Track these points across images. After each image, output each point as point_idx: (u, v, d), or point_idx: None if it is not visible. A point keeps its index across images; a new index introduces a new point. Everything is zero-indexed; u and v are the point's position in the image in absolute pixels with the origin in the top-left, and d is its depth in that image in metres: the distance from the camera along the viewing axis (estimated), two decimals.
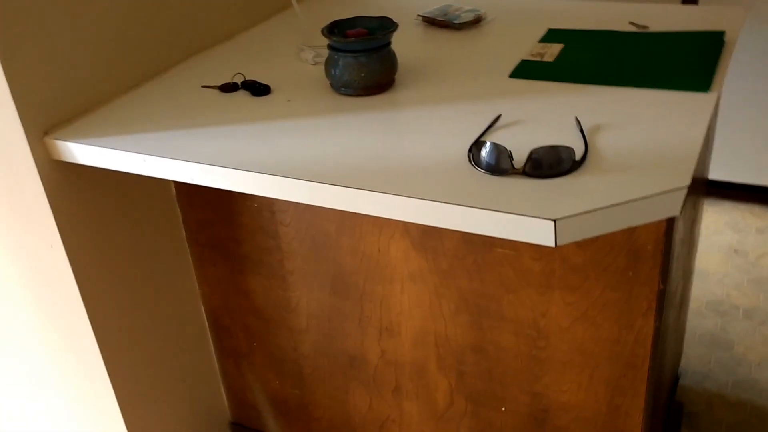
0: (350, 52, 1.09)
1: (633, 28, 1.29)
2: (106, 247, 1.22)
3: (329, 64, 1.12)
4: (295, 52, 1.32)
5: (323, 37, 1.26)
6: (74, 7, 1.10)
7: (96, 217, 1.19)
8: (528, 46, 1.26)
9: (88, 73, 1.14)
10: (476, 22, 1.38)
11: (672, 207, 0.81)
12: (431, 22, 1.40)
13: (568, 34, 1.28)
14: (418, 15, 1.42)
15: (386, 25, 1.14)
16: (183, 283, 1.42)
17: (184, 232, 1.40)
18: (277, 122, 1.06)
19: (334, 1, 1.61)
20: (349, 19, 1.16)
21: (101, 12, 1.15)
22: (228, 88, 1.18)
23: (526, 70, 1.15)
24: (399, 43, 1.31)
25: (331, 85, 1.15)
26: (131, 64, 1.22)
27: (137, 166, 1.02)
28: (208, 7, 1.36)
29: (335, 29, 1.15)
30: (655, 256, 0.99)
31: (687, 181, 0.81)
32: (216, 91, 1.18)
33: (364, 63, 1.09)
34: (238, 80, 1.20)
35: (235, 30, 1.45)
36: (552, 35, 1.28)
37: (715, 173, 2.45)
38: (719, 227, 2.35)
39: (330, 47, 1.12)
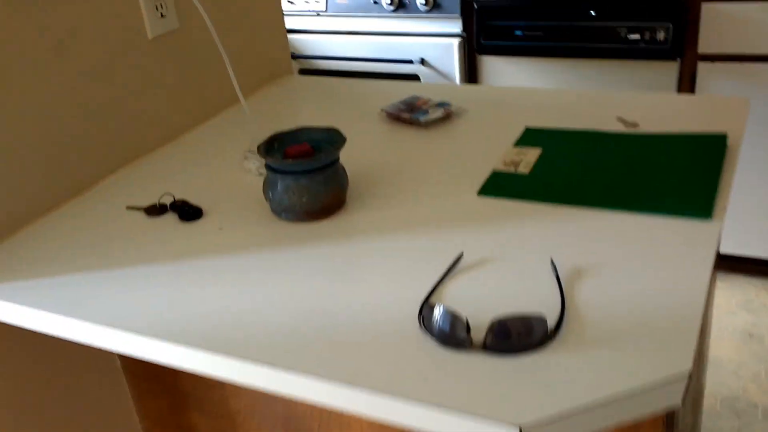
0: (290, 173, 0.94)
1: (621, 126, 1.13)
2: (31, 378, 1.05)
3: (268, 186, 0.96)
4: (240, 159, 1.17)
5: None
6: None
7: (17, 347, 1.02)
8: (502, 150, 1.10)
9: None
10: (445, 118, 1.23)
11: (671, 396, 0.64)
12: (396, 118, 1.25)
13: (546, 135, 1.12)
14: (382, 109, 1.27)
15: (333, 139, 0.98)
16: (122, 418, 1.25)
17: (118, 362, 1.23)
18: (204, 259, 0.90)
19: (288, 94, 1.47)
20: (291, 132, 1.01)
21: (13, 120, 1.00)
22: (155, 210, 1.03)
23: (497, 186, 0.99)
24: (356, 144, 1.16)
25: (271, 208, 0.99)
26: (48, 181, 1.06)
27: (36, 322, 0.85)
28: (146, 108, 1.22)
29: (275, 143, 0.99)
30: None
31: (688, 365, 0.64)
32: (142, 214, 1.03)
33: (305, 186, 0.94)
34: (167, 201, 1.05)
35: (178, 129, 1.30)
36: (529, 136, 1.12)
37: (726, 246, 2.27)
38: (731, 307, 2.17)
39: (268, 167, 0.96)
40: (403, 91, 1.40)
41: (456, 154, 1.11)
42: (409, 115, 1.22)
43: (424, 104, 1.26)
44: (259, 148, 0.96)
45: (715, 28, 1.94)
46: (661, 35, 1.98)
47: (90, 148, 1.13)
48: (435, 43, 2.31)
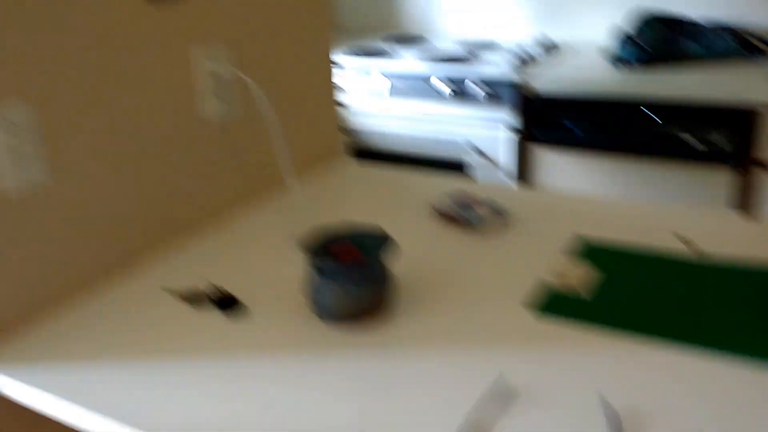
0: (334, 275, 0.91)
1: (677, 243, 1.08)
2: None
3: (310, 285, 0.94)
4: (282, 247, 1.15)
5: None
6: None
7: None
8: (554, 262, 1.06)
9: (26, 272, 0.98)
10: (497, 221, 1.19)
11: None
12: (445, 216, 1.22)
13: (602, 250, 1.08)
14: (432, 205, 1.25)
15: (381, 241, 0.96)
16: None
17: None
18: (236, 357, 0.87)
19: (337, 179, 1.46)
20: (338, 229, 0.98)
21: (58, 194, 1.00)
22: (191, 297, 1.01)
23: (548, 303, 0.94)
24: (404, 241, 1.13)
25: (311, 307, 0.96)
26: (85, 257, 1.05)
27: (55, 409, 0.83)
28: (194, 186, 1.21)
29: (320, 240, 0.97)
30: None
31: None
32: (178, 299, 1.01)
33: (349, 290, 0.90)
34: (205, 287, 1.03)
35: (224, 209, 1.29)
36: (584, 250, 1.08)
37: None
38: None
39: (311, 266, 0.94)
40: (455, 187, 1.38)
41: (506, 263, 1.07)
42: (460, 214, 1.19)
43: (476, 204, 1.23)
44: (303, 245, 0.94)
45: None
46: (720, 141, 1.94)
47: (134, 224, 1.12)
48: (487, 131, 2.30)
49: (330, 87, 1.54)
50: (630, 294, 0.96)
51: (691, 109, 1.98)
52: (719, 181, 1.99)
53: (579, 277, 1.00)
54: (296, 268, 1.09)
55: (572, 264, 1.04)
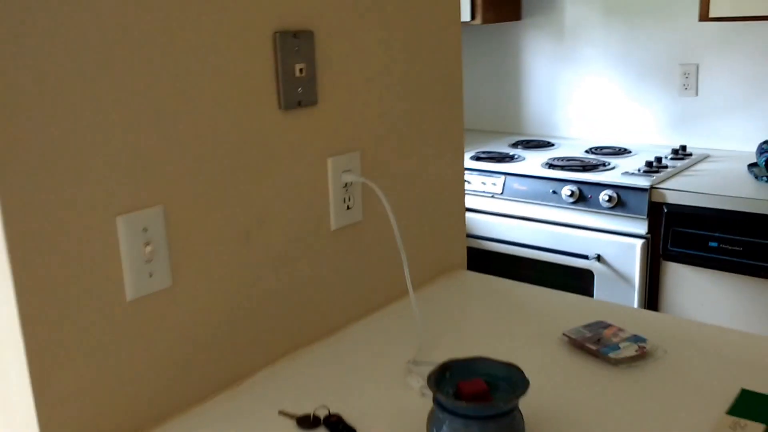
0: (461, 416, 0.82)
1: None
2: None
3: (433, 422, 0.85)
4: (403, 371, 1.07)
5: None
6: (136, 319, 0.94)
7: None
8: (711, 415, 0.92)
9: (137, 391, 0.95)
10: (639, 357, 1.07)
11: None
12: (579, 346, 1.11)
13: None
14: (564, 334, 1.14)
15: (514, 380, 0.86)
16: None
17: None
18: None
19: (459, 294, 1.38)
20: (466, 361, 0.90)
21: (185, 303, 0.98)
22: (307, 423, 0.94)
23: None
24: (531, 374, 1.03)
25: None
26: (196, 376, 1.02)
27: None
28: (314, 297, 1.18)
29: (446, 373, 0.89)
30: None
31: None
32: (293, 424, 0.95)
33: None
34: (322, 414, 0.96)
35: (343, 321, 1.24)
36: (747, 403, 0.94)
37: None
38: None
39: (436, 403, 0.86)
40: (587, 309, 1.27)
41: (653, 411, 0.94)
42: (596, 347, 1.08)
43: (615, 336, 1.11)
44: (429, 378, 0.86)
45: None
46: None
47: (251, 335, 1.09)
48: (615, 242, 2.17)
49: (460, 194, 1.49)
50: None
51: None
52: None
53: None
54: (417, 399, 1.01)
55: (736, 423, 0.90)
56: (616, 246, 2.17)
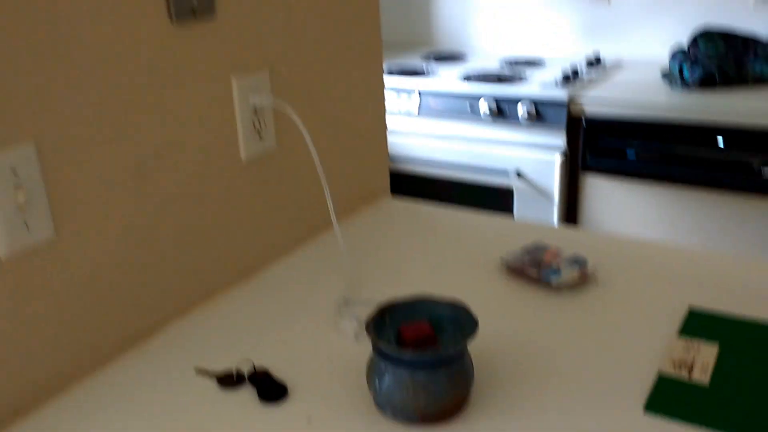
0: (406, 364, 0.74)
1: None
2: None
3: (374, 372, 0.76)
4: (334, 313, 0.98)
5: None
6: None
7: None
8: (660, 337, 0.88)
9: (22, 366, 0.81)
10: (581, 282, 1.01)
11: None
12: (519, 272, 1.04)
13: (720, 324, 0.90)
14: (502, 259, 1.07)
15: (461, 320, 0.78)
16: None
17: None
18: None
19: (386, 223, 1.28)
20: (407, 303, 0.81)
21: (73, 253, 0.83)
22: (229, 381, 0.83)
23: (666, 399, 0.76)
24: (471, 305, 0.95)
25: (374, 400, 0.78)
26: (97, 336, 0.89)
27: None
28: (228, 237, 1.05)
29: (385, 316, 0.80)
30: None
31: None
32: (213, 383, 0.84)
33: (424, 383, 0.73)
34: (246, 369, 0.85)
35: (264, 261, 1.12)
36: (697, 323, 0.90)
37: None
38: None
39: (376, 350, 0.76)
40: (521, 232, 1.20)
41: (602, 337, 0.89)
42: (537, 271, 1.02)
43: (554, 258, 1.05)
44: (367, 324, 0.76)
45: None
46: None
47: (159, 285, 0.95)
48: (534, 157, 2.13)
49: (381, 116, 1.37)
50: (759, 379, 0.77)
51: (759, 134, 1.79)
52: None
53: (701, 364, 0.82)
54: (352, 344, 0.91)
55: (689, 346, 0.85)
56: (536, 161, 2.13)
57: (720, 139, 1.84)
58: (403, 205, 1.36)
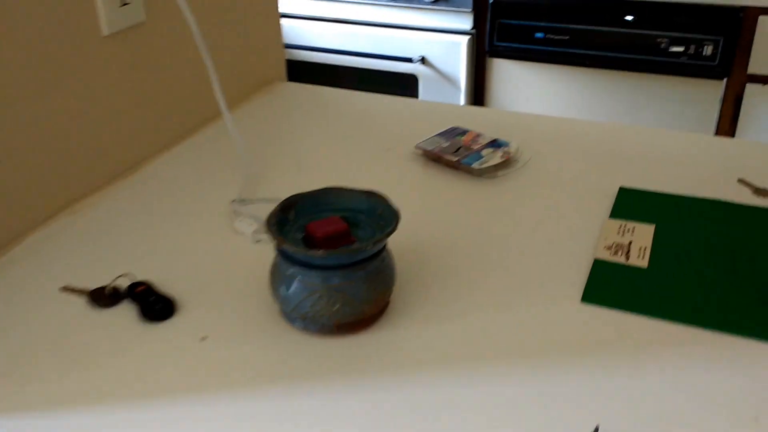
0: (317, 268, 0.62)
1: (748, 192, 0.85)
2: None
3: (279, 278, 0.64)
4: (227, 214, 0.84)
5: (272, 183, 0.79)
6: None
7: None
8: (595, 221, 0.80)
9: None
10: (505, 165, 0.92)
11: None
12: (436, 158, 0.94)
13: (652, 202, 0.83)
14: (417, 146, 0.96)
15: (379, 212, 0.67)
16: None
17: None
18: (173, 394, 0.58)
19: (283, 109, 1.14)
20: (315, 194, 0.69)
21: None
22: (103, 298, 0.70)
23: (606, 288, 0.69)
24: (388, 195, 0.84)
25: (281, 310, 0.67)
26: None
27: None
28: (97, 129, 0.88)
29: (290, 212, 0.67)
30: None
31: None
32: (84, 301, 0.70)
33: (338, 288, 0.62)
34: (124, 284, 0.72)
35: (142, 156, 0.96)
36: (629, 203, 0.83)
37: None
38: None
39: (280, 252, 0.64)
40: (433, 114, 1.09)
41: (530, 223, 0.81)
42: (456, 158, 0.91)
43: (474, 142, 0.95)
44: (269, 221, 0.64)
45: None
46: (707, 50, 1.71)
47: (12, 194, 0.78)
48: (439, 41, 2.00)
49: None
50: (701, 265, 0.72)
51: (676, 11, 1.74)
52: (703, 94, 1.78)
53: (638, 246, 0.75)
54: (250, 245, 0.79)
55: (623, 227, 0.78)
56: (441, 45, 2.00)
57: (632, 15, 1.77)
58: (301, 88, 1.21)
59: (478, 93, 2.05)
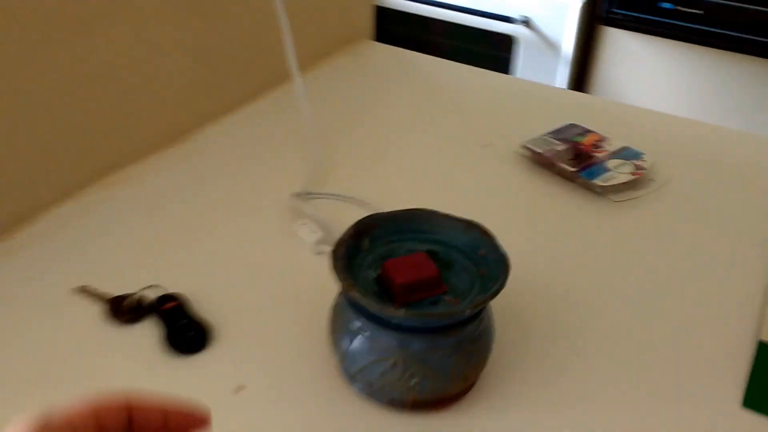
0: (392, 328, 0.46)
1: None
2: None
3: (340, 327, 0.49)
4: (288, 207, 0.69)
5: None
6: None
7: None
8: (756, 279, 0.61)
9: None
10: (637, 185, 0.73)
11: None
12: (548, 164, 0.75)
13: None
14: (525, 146, 0.77)
15: (477, 250, 0.50)
16: None
17: None
18: None
19: (366, 78, 0.97)
20: (397, 214, 0.52)
21: None
22: (125, 312, 0.56)
23: None
24: (484, 212, 0.67)
25: (341, 366, 0.52)
26: None
27: None
28: (147, 94, 0.73)
29: (364, 240, 0.51)
30: None
31: None
32: (101, 311, 0.56)
33: (421, 358, 0.46)
34: (152, 297, 0.58)
35: (190, 122, 0.81)
36: None
37: None
38: None
39: (347, 299, 0.49)
40: (543, 98, 0.90)
41: (669, 272, 0.62)
42: (574, 168, 0.73)
43: (597, 148, 0.76)
44: (336, 254, 0.48)
45: None
46: None
47: (41, 154, 0.65)
48: (546, 2, 1.77)
49: None
50: None
51: None
52: None
53: None
54: (311, 256, 0.63)
55: None
56: (548, 7, 1.77)
57: None
58: (389, 52, 1.04)
59: (583, 66, 1.82)
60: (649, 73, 1.75)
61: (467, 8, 1.87)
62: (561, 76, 1.82)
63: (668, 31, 1.65)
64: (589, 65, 1.81)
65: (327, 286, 0.51)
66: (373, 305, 0.45)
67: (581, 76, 1.83)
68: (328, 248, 0.63)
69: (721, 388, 0.51)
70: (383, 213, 0.52)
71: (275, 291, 0.59)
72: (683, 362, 0.53)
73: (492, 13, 1.85)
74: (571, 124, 0.81)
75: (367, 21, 1.07)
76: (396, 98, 0.90)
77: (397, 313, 0.44)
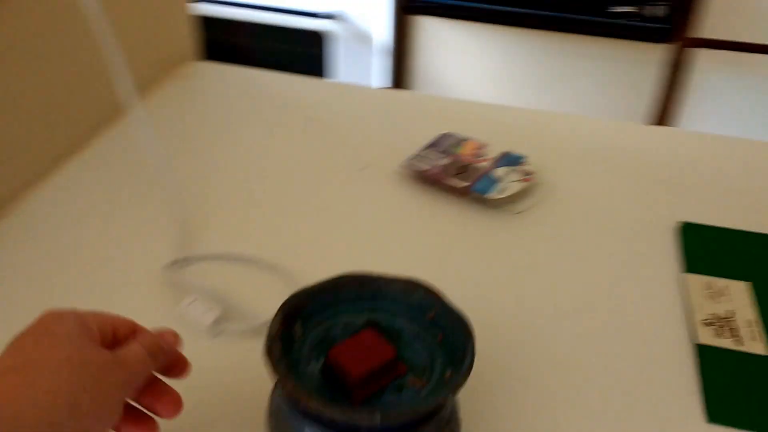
0: (346, 428, 0.39)
1: None
2: None
3: (282, 428, 0.41)
4: (161, 284, 0.57)
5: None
6: None
7: None
8: (666, 276, 0.61)
9: None
10: (526, 191, 0.71)
11: None
12: (435, 182, 0.71)
13: (729, 242, 0.65)
14: (408, 164, 0.72)
15: (428, 317, 0.44)
16: None
17: None
18: None
19: (204, 101, 0.86)
20: (326, 286, 0.44)
21: None
22: None
23: (730, 391, 0.51)
24: (374, 234, 0.61)
25: None
26: None
27: None
28: None
29: (294, 322, 0.43)
30: None
31: None
32: None
33: None
34: None
35: (17, 187, 0.66)
36: (699, 246, 0.64)
37: None
38: None
39: (292, 405, 0.40)
40: (401, 103, 0.85)
41: (584, 285, 0.60)
42: (465, 183, 0.69)
43: (479, 157, 0.72)
44: (270, 350, 0.39)
45: (721, 11, 1.56)
46: (657, 12, 1.57)
47: None
48: None
49: None
50: None
51: None
52: (647, 58, 1.65)
53: (742, 318, 0.57)
54: (206, 342, 0.53)
55: (712, 288, 0.60)
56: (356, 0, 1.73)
57: None
58: (217, 71, 0.93)
59: (400, 57, 1.81)
60: (462, 58, 1.79)
61: (274, 7, 1.78)
62: (377, 69, 1.80)
63: (471, 13, 1.68)
64: (405, 56, 1.81)
65: (242, 377, 0.41)
66: (339, 414, 0.37)
67: (399, 68, 1.82)
68: (230, 326, 0.53)
69: (677, 401, 0.50)
70: (307, 288, 0.44)
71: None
72: (627, 380, 0.51)
73: (299, 11, 1.77)
74: (445, 134, 0.77)
75: (187, 40, 0.95)
76: (245, 124, 0.81)
77: (372, 420, 0.36)
